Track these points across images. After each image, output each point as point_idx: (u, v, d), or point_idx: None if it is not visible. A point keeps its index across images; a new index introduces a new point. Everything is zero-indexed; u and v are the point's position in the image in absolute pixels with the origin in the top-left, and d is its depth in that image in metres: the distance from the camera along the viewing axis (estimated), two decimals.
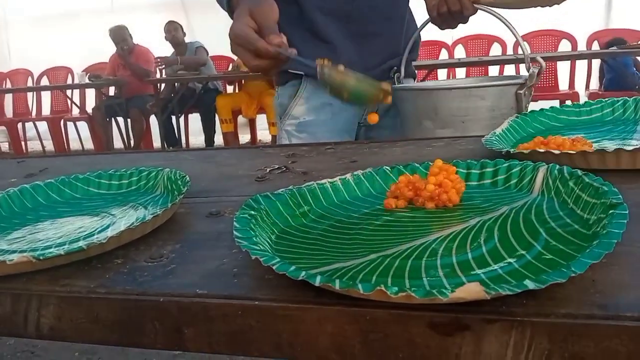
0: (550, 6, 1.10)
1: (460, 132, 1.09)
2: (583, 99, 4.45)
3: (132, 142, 5.37)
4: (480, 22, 1.27)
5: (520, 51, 1.11)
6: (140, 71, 5.12)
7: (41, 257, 0.48)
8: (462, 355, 0.37)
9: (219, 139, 5.36)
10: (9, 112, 6.06)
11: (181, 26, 5.28)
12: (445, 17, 1.12)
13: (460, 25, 1.17)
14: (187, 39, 5.35)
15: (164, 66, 5.27)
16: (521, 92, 1.06)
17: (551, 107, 0.88)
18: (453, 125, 1.10)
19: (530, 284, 0.34)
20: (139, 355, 1.89)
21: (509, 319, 0.36)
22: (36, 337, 0.48)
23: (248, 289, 0.44)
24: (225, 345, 0.43)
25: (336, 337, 0.40)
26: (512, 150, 0.65)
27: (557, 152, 0.62)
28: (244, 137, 5.44)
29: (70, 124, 5.55)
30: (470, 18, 1.13)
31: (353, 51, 1.19)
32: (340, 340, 0.40)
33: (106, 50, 5.45)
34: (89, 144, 5.62)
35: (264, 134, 5.48)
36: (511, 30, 1.09)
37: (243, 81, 5.19)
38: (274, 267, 0.40)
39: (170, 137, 5.29)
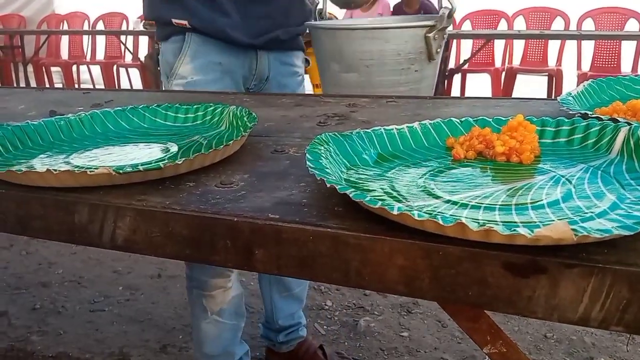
0: None
1: (365, 77, 0.99)
2: None
3: None
4: None
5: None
6: None
7: (120, 171, 0.49)
8: (535, 298, 0.37)
9: None
10: (64, 54, 6.21)
11: None
12: None
13: None
14: None
15: None
16: (430, 35, 0.97)
17: (629, 77, 0.84)
18: (357, 69, 1.02)
19: (618, 230, 0.34)
20: (180, 294, 1.97)
21: (589, 265, 0.35)
22: (110, 247, 0.50)
23: (319, 218, 0.44)
24: (294, 268, 0.44)
25: (406, 270, 0.40)
26: (590, 113, 0.63)
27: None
28: None
29: (122, 70, 5.65)
30: None
31: (239, 14, 1.13)
32: (409, 273, 0.40)
33: None
34: None
35: None
36: None
37: None
38: (350, 195, 0.40)
39: None
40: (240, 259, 0.45)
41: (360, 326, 1.73)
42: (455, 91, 4.53)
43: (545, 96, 4.12)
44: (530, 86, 4.68)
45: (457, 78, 4.45)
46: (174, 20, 1.13)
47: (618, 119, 0.59)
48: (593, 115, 0.62)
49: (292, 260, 0.43)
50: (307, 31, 1.20)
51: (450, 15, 0.98)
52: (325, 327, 1.75)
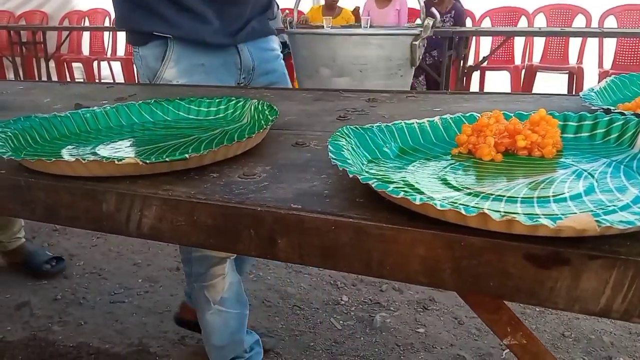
0: None
1: (358, 81, 1.12)
2: None
3: None
4: None
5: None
6: None
7: (147, 162, 0.51)
8: (557, 289, 0.37)
9: None
10: (85, 50, 6.29)
11: None
12: None
13: None
14: None
15: None
16: (416, 43, 1.12)
17: None
18: (350, 74, 1.13)
19: None
20: None
21: (612, 257, 0.35)
22: (137, 235, 0.52)
23: (341, 208, 0.45)
24: (316, 258, 0.44)
25: (427, 261, 0.41)
26: (613, 108, 0.63)
27: None
28: None
29: None
30: None
31: (218, 20, 1.15)
32: (431, 264, 0.41)
33: None
34: None
35: None
36: None
37: None
38: (372, 185, 0.41)
39: None
40: (264, 248, 0.46)
41: (377, 322, 1.74)
42: (474, 88, 4.49)
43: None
44: (551, 84, 4.62)
45: (475, 75, 4.41)
46: (155, 33, 1.14)
47: None
48: (616, 111, 0.62)
49: (314, 250, 0.44)
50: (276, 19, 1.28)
51: (434, 25, 1.13)
52: (341, 322, 1.75)
